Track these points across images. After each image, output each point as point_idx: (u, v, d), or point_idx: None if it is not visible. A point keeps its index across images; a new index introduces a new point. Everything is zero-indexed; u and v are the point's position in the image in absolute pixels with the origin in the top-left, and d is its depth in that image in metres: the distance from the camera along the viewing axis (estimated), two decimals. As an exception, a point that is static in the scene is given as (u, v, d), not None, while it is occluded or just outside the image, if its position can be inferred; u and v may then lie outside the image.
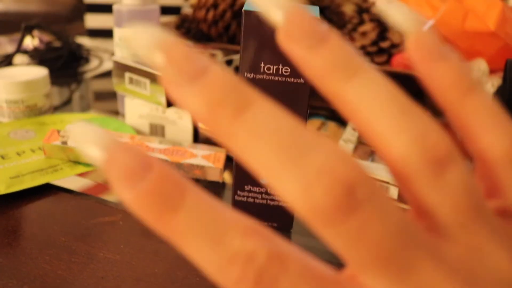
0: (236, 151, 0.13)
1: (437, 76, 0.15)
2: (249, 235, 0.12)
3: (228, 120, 0.12)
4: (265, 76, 0.31)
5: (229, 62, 0.52)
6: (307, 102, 0.31)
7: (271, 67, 0.31)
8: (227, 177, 0.43)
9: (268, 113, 0.12)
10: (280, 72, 0.31)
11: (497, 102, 0.15)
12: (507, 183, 0.15)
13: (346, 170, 0.12)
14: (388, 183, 0.40)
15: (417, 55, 0.15)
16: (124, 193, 0.12)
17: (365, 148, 0.47)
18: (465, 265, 0.13)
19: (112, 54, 0.84)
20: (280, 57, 0.30)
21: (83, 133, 0.13)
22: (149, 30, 0.13)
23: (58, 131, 0.44)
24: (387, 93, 0.13)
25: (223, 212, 0.13)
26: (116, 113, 0.57)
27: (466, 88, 0.14)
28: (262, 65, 0.31)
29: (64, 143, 0.42)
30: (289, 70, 0.31)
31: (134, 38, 0.13)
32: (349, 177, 0.12)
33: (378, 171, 0.41)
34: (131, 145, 0.13)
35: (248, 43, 0.30)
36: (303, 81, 0.31)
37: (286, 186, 0.12)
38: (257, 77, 0.31)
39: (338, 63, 0.13)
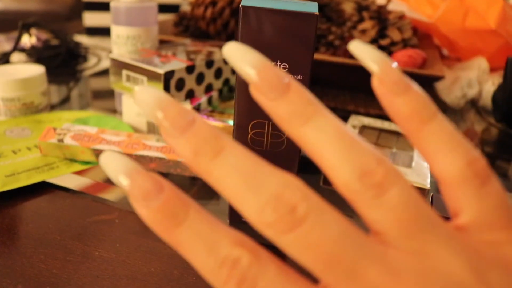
0: (212, 184, 0.16)
1: (398, 108, 0.17)
2: (237, 245, 0.15)
3: (206, 162, 0.16)
4: (263, 72, 0.30)
5: (227, 60, 0.52)
6: (305, 98, 0.31)
7: (269, 63, 0.30)
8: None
9: (236, 155, 0.16)
10: (278, 69, 0.30)
11: (454, 127, 0.17)
12: (461, 201, 0.16)
13: (290, 194, 0.15)
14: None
15: (380, 90, 0.17)
16: (141, 210, 0.16)
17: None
18: (412, 269, 0.15)
19: (110, 52, 0.84)
20: (278, 53, 0.30)
21: (113, 163, 0.16)
22: (151, 92, 0.16)
23: (55, 129, 0.43)
24: (336, 132, 0.16)
25: (218, 226, 0.16)
26: (113, 111, 0.56)
27: (424, 118, 0.17)
28: (259, 61, 0.30)
29: (60, 141, 0.42)
30: (287, 66, 0.30)
31: (138, 98, 0.16)
32: (291, 199, 0.15)
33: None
34: (149, 171, 0.17)
35: (245, 39, 0.30)
36: (301, 77, 0.30)
37: (247, 209, 0.15)
38: (254, 74, 0.30)
39: (297, 111, 0.16)
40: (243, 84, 0.31)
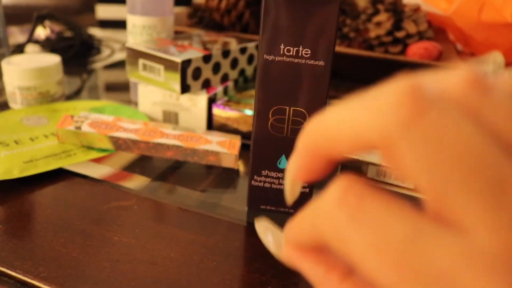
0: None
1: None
2: None
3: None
4: (284, 58, 0.30)
5: (243, 50, 0.52)
6: (327, 84, 0.31)
7: (291, 49, 0.30)
8: (241, 164, 0.42)
9: None
10: (300, 54, 0.30)
11: None
12: None
13: None
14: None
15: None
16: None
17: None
18: None
19: (123, 44, 0.84)
20: (300, 39, 0.30)
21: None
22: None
23: (72, 117, 0.43)
24: None
25: None
26: (128, 103, 0.57)
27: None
28: (282, 46, 0.30)
29: (78, 128, 0.42)
30: (309, 52, 0.30)
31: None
32: None
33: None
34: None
35: (267, 25, 0.30)
36: (323, 63, 0.30)
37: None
38: (276, 59, 0.30)
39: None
40: (264, 70, 0.31)
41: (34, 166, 0.39)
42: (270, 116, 0.32)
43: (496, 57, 0.71)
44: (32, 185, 0.37)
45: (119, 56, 0.78)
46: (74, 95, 0.59)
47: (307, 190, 0.34)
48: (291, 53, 0.30)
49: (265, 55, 0.30)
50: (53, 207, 0.35)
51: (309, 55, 0.30)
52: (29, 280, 0.27)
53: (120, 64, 0.73)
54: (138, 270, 0.29)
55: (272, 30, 0.30)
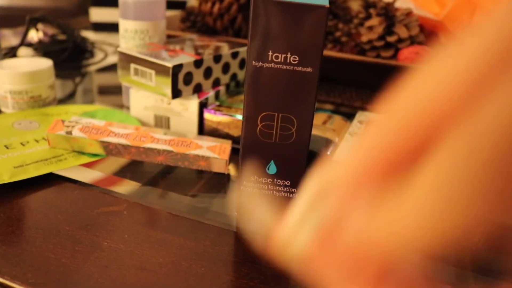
0: None
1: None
2: None
3: None
4: (273, 64, 0.30)
5: (235, 54, 0.52)
6: (315, 91, 0.31)
7: (279, 55, 0.30)
8: (232, 169, 0.43)
9: None
10: (288, 61, 0.30)
11: None
12: None
13: None
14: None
15: None
16: None
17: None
18: None
19: (117, 47, 0.84)
20: (289, 46, 0.30)
21: None
22: None
23: (63, 121, 0.43)
24: None
25: None
26: (120, 106, 0.57)
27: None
28: (270, 53, 0.30)
29: (69, 133, 0.42)
30: (297, 58, 0.30)
31: None
32: None
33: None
34: None
35: (256, 31, 0.30)
36: (311, 70, 0.30)
37: None
38: (264, 66, 0.30)
39: None
40: (253, 76, 0.31)
41: (25, 171, 0.39)
42: (258, 122, 0.32)
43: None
44: (22, 190, 0.37)
45: (113, 59, 0.78)
46: (67, 99, 0.59)
47: (296, 196, 0.34)
48: (279, 59, 0.30)
49: (253, 62, 0.31)
50: (43, 212, 0.35)
51: (297, 61, 0.30)
52: (16, 287, 0.27)
53: (113, 68, 0.73)
54: (127, 276, 0.29)
55: (261, 37, 0.30)
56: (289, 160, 0.33)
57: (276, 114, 0.32)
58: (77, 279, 0.28)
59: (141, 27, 0.52)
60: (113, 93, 0.62)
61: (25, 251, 0.30)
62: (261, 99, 0.31)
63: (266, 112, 0.32)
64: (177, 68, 0.44)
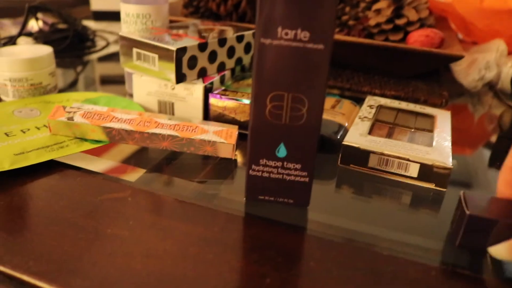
0: None
1: None
2: None
3: None
4: (282, 41, 0.29)
5: (240, 38, 0.50)
6: (327, 69, 0.30)
7: (289, 32, 0.29)
8: (239, 154, 0.41)
9: None
10: (298, 38, 0.29)
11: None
12: None
13: None
14: (408, 159, 0.38)
15: None
16: None
17: (381, 125, 0.45)
18: None
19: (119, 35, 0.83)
20: (299, 21, 0.28)
21: None
22: None
23: (64, 107, 0.42)
24: None
25: None
26: (123, 95, 0.55)
27: None
28: (279, 29, 0.29)
29: (70, 119, 0.40)
30: (308, 35, 0.29)
31: None
32: None
33: (397, 148, 0.39)
34: None
35: (264, 6, 0.28)
36: (323, 47, 0.29)
37: None
38: (274, 43, 0.29)
39: None
40: (261, 54, 0.29)
41: (25, 158, 0.37)
42: (267, 102, 0.30)
43: (499, 45, 0.70)
44: (23, 178, 0.36)
45: (114, 48, 0.76)
46: (68, 88, 0.57)
47: (306, 179, 0.33)
48: (289, 36, 0.29)
49: (261, 39, 0.29)
50: (45, 200, 0.33)
51: (307, 38, 0.29)
52: (18, 275, 0.26)
53: (115, 56, 0.72)
54: (132, 264, 0.28)
55: (269, 12, 0.28)
56: (300, 142, 0.31)
57: (286, 94, 0.30)
58: (80, 267, 0.27)
59: (143, 11, 0.50)
60: (115, 81, 0.60)
61: (27, 239, 0.29)
62: (270, 78, 0.30)
63: (275, 92, 0.30)
64: (181, 51, 0.43)
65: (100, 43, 0.79)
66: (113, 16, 0.92)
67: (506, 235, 0.28)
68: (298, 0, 0.28)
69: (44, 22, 0.76)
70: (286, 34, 0.29)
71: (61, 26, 0.76)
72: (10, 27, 0.83)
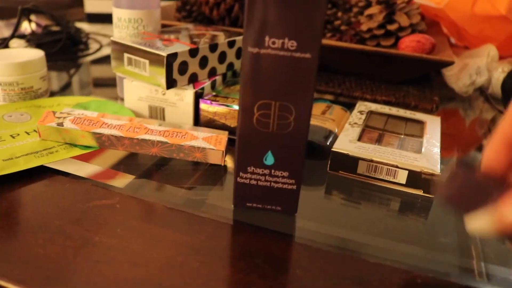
0: None
1: None
2: None
3: None
4: (270, 50, 0.29)
5: (231, 44, 0.50)
6: (314, 78, 0.30)
7: (276, 41, 0.29)
8: (228, 160, 0.41)
9: None
10: (285, 47, 0.29)
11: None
12: None
13: None
14: (397, 166, 0.38)
15: None
16: None
17: (371, 131, 0.45)
18: None
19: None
20: (286, 31, 0.28)
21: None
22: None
23: (54, 113, 0.42)
24: None
25: None
26: (115, 98, 0.55)
27: None
28: (266, 39, 0.29)
29: (60, 124, 0.40)
30: (295, 44, 0.29)
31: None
32: None
33: (386, 154, 0.39)
34: None
35: (252, 15, 0.28)
36: (310, 56, 0.29)
37: None
38: (261, 52, 0.29)
39: None
40: (249, 63, 0.29)
41: (14, 164, 0.37)
42: (255, 111, 0.31)
43: (490, 50, 0.70)
44: (11, 184, 0.36)
45: (107, 51, 0.76)
46: (61, 91, 0.57)
47: (294, 187, 0.33)
48: (276, 45, 0.29)
49: (249, 48, 0.29)
50: (32, 207, 0.33)
51: (295, 47, 0.29)
52: (3, 284, 0.26)
53: (108, 59, 0.72)
54: (119, 272, 0.28)
55: (257, 22, 0.29)
56: (287, 150, 0.32)
57: (273, 102, 0.30)
58: (67, 275, 0.27)
59: (135, 15, 0.50)
60: (107, 85, 0.60)
61: (14, 247, 0.29)
62: (257, 87, 0.30)
63: (263, 101, 0.30)
64: (172, 57, 0.43)
65: (93, 45, 0.79)
66: (107, 18, 0.92)
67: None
68: (286, 10, 0.28)
69: (37, 24, 0.76)
70: (274, 43, 0.29)
71: (54, 28, 0.76)
72: (2, 29, 0.82)
